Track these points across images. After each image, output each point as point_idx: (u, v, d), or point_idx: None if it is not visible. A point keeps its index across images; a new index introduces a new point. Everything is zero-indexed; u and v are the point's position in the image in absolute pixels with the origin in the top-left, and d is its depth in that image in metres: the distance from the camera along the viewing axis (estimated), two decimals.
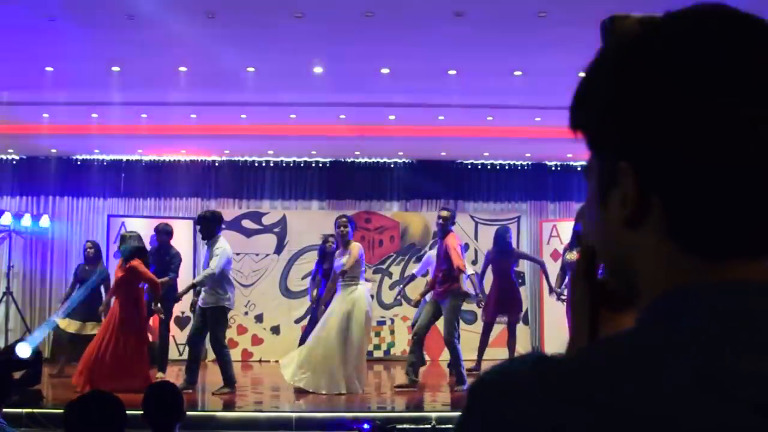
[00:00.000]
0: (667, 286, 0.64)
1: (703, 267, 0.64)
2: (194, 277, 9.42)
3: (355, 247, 8.18)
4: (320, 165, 12.86)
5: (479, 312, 10.23)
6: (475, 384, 0.65)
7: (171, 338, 10.15)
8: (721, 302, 0.61)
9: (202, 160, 12.74)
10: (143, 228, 11.68)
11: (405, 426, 6.29)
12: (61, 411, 3.14)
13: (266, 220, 12.05)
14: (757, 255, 0.64)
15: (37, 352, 7.41)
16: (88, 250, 9.96)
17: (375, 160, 12.85)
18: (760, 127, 0.62)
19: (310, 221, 12.09)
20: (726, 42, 0.63)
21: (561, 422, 0.57)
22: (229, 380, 8.05)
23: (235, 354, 11.35)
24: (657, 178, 0.64)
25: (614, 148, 0.67)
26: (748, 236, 0.63)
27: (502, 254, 9.80)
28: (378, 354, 11.37)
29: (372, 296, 9.45)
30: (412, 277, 9.76)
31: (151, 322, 9.13)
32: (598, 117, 0.68)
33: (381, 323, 11.48)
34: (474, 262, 11.95)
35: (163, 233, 9.58)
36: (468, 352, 8.99)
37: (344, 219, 8.37)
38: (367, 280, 8.97)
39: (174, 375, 8.79)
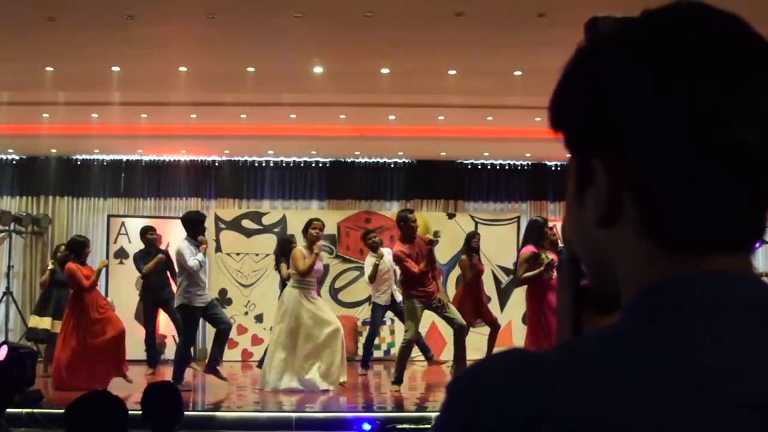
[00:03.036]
0: (645, 283, 0.64)
1: (679, 263, 0.63)
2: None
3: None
4: (320, 165, 12.86)
5: None
6: (452, 381, 0.65)
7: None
8: (700, 293, 0.61)
9: (202, 160, 12.74)
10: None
11: (405, 426, 6.28)
12: (61, 411, 3.14)
13: (266, 220, 12.04)
14: (734, 249, 0.64)
15: (29, 353, 7.41)
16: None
17: (375, 160, 12.86)
18: (733, 121, 0.61)
19: None
20: (699, 37, 0.63)
21: (537, 416, 0.58)
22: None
23: (235, 354, 11.37)
24: (629, 175, 0.64)
25: (588, 145, 0.67)
26: (723, 231, 0.63)
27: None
28: (378, 354, 11.35)
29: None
30: None
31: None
32: (572, 115, 0.69)
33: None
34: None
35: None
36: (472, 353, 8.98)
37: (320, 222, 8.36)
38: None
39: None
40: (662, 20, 0.65)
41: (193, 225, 8.27)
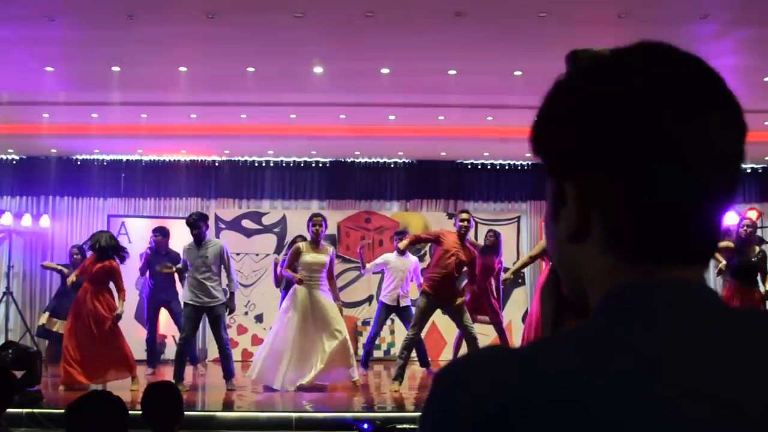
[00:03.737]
0: (608, 290, 0.72)
1: (638, 273, 0.72)
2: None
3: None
4: (320, 165, 12.86)
5: None
6: (437, 373, 0.72)
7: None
8: (655, 296, 0.69)
9: (202, 160, 12.74)
10: (143, 228, 11.73)
11: (405, 426, 6.28)
12: (61, 411, 3.14)
13: (266, 220, 12.05)
14: (689, 262, 0.72)
15: (35, 353, 7.42)
16: (75, 256, 10.09)
17: (375, 160, 12.85)
18: (689, 149, 0.69)
19: None
20: (663, 75, 0.71)
21: (510, 404, 0.65)
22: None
23: (235, 354, 11.33)
24: (596, 196, 0.72)
25: (561, 169, 0.76)
26: (678, 245, 0.72)
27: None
28: (378, 354, 11.36)
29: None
30: None
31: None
32: (546, 141, 0.77)
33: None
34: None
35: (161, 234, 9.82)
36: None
37: (320, 218, 8.49)
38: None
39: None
40: (631, 59, 0.73)
41: (192, 226, 8.30)
